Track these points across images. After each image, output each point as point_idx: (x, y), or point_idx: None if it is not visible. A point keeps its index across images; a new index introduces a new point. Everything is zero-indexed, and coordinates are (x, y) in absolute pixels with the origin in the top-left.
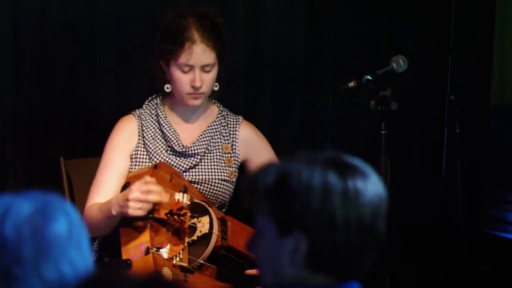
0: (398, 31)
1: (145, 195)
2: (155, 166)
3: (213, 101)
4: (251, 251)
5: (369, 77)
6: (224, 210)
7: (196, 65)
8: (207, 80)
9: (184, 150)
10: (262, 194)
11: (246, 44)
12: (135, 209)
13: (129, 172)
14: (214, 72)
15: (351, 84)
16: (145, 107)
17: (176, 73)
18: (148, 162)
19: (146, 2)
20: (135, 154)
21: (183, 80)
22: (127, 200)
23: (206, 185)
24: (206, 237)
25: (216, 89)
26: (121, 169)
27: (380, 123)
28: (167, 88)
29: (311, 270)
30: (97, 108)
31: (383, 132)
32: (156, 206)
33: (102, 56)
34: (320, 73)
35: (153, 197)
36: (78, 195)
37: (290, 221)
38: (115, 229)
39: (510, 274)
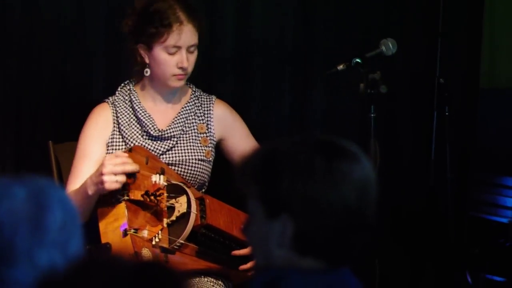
0: (387, 14)
1: (120, 166)
2: (130, 150)
3: (186, 82)
4: (244, 234)
5: (358, 60)
6: (203, 190)
7: (184, 46)
8: (191, 61)
9: (160, 134)
10: (250, 176)
11: (235, 29)
12: (112, 182)
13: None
14: (196, 52)
15: (340, 67)
16: (118, 93)
17: (162, 55)
18: (124, 147)
19: None
20: (111, 142)
21: (169, 61)
22: (102, 174)
23: (183, 166)
24: (185, 216)
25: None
26: (97, 158)
27: (370, 106)
28: (146, 72)
29: (299, 253)
30: (86, 92)
31: (372, 115)
32: (132, 188)
33: (91, 41)
34: (309, 57)
35: (128, 167)
36: (67, 179)
37: (276, 204)
38: (94, 216)
39: (500, 258)
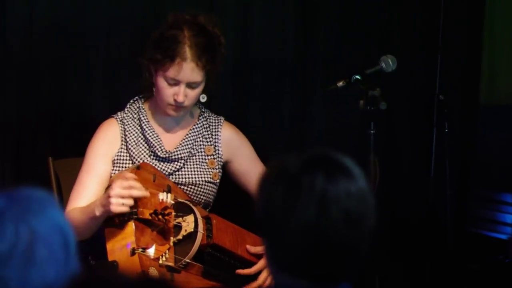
0: (387, 31)
1: (127, 190)
2: (138, 167)
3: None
4: None
5: (358, 76)
6: (208, 209)
7: (183, 81)
8: (190, 96)
9: (167, 155)
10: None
11: (235, 43)
12: (118, 205)
13: (111, 175)
14: (199, 89)
15: (340, 83)
16: (127, 110)
17: (162, 83)
18: (131, 165)
19: (136, 5)
20: (117, 159)
21: (167, 91)
22: (109, 197)
23: (190, 187)
24: (192, 236)
25: (203, 100)
26: (102, 174)
27: (369, 122)
28: (154, 91)
29: (280, 270)
30: (86, 108)
31: (372, 131)
32: (140, 206)
33: (91, 57)
34: (309, 73)
35: (135, 192)
36: (67, 195)
37: (257, 222)
38: (101, 231)
39: (499, 274)
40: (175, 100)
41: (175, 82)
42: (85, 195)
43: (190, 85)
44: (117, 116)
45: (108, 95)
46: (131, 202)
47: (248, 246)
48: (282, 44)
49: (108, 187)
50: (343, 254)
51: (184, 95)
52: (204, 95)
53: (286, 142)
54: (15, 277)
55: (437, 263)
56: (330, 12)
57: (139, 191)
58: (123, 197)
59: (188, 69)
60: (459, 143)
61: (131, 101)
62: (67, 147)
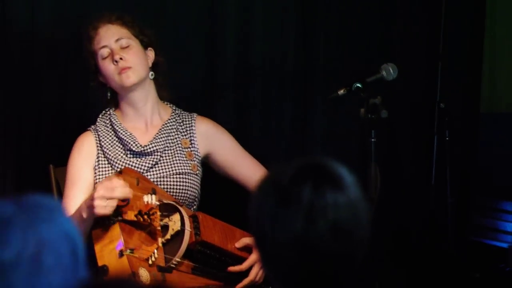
0: (388, 39)
1: (110, 191)
2: (120, 172)
3: (166, 102)
4: None
5: (359, 85)
6: (194, 207)
7: (109, 44)
8: (129, 54)
9: (142, 149)
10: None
11: (235, 51)
12: (101, 207)
13: (95, 183)
14: (134, 47)
15: (341, 92)
16: (100, 120)
17: (101, 63)
18: (111, 169)
19: (137, 7)
20: (97, 166)
21: (106, 63)
22: (93, 199)
23: (170, 180)
24: (179, 234)
25: (151, 77)
26: (87, 183)
27: (370, 131)
28: (108, 93)
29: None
30: (87, 116)
31: (373, 139)
32: (124, 208)
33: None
34: (310, 81)
35: (118, 193)
36: None
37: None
38: (91, 241)
39: (500, 282)
40: (115, 62)
41: (107, 51)
42: (73, 205)
43: (120, 44)
44: (91, 127)
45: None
46: (114, 203)
47: (236, 243)
48: (282, 52)
49: None
50: (334, 265)
51: (118, 54)
52: (152, 72)
53: (287, 150)
54: (22, 284)
55: (438, 271)
56: (330, 20)
57: (122, 191)
58: (106, 198)
59: (104, 30)
60: (460, 151)
61: (102, 112)
62: (68, 154)
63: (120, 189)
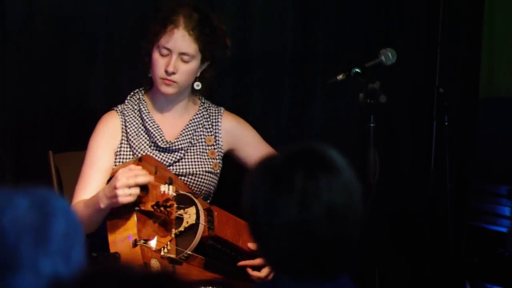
0: (387, 24)
1: (133, 179)
2: (140, 159)
3: (195, 94)
4: None
5: (357, 70)
6: (208, 201)
7: (174, 51)
8: (182, 70)
9: (168, 146)
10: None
11: (234, 37)
12: (126, 196)
13: (113, 168)
14: (192, 65)
15: (340, 77)
16: (127, 102)
17: (155, 54)
18: (132, 157)
19: None
20: (119, 151)
21: (158, 62)
22: (115, 188)
23: (191, 178)
24: (193, 227)
25: (197, 88)
26: (106, 166)
27: (369, 116)
28: (148, 73)
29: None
30: (85, 102)
31: (372, 125)
32: (142, 198)
33: (90, 50)
34: (309, 66)
35: (141, 179)
36: (67, 189)
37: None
38: (103, 224)
39: (499, 267)
40: (166, 72)
41: (167, 52)
42: (90, 188)
43: (182, 57)
44: (118, 108)
45: (108, 88)
46: (137, 191)
47: (249, 244)
48: (281, 38)
49: (110, 179)
50: (331, 249)
51: (174, 66)
52: (199, 83)
53: (286, 136)
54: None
55: (437, 256)
56: (329, 5)
57: (145, 177)
58: (129, 187)
59: (179, 37)
60: (459, 136)
61: (131, 93)
62: (67, 140)
63: (142, 176)
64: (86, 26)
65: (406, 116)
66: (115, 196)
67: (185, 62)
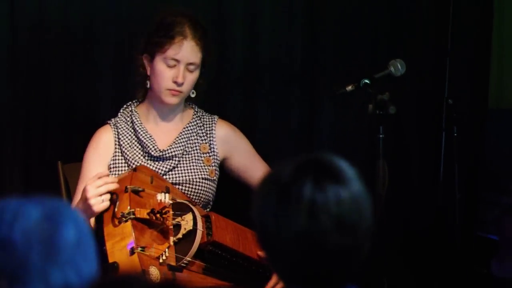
0: (396, 35)
1: (103, 187)
2: (135, 169)
3: (188, 103)
4: None
5: (367, 81)
6: (208, 209)
7: (183, 61)
8: (189, 80)
9: (160, 154)
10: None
11: (243, 48)
12: (99, 204)
13: None
14: (196, 74)
15: (349, 88)
16: (120, 115)
17: (161, 66)
18: (127, 168)
19: (144, 4)
20: (113, 164)
21: (166, 74)
22: (87, 199)
23: (187, 185)
24: (191, 234)
25: (192, 96)
26: None
27: (378, 127)
28: (147, 84)
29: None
30: (95, 112)
31: (381, 136)
32: (137, 206)
33: (100, 60)
34: (318, 77)
35: (110, 186)
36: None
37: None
38: (99, 237)
39: (508, 278)
40: (175, 83)
41: (175, 63)
42: None
43: (188, 67)
44: (111, 121)
45: (117, 99)
46: (108, 196)
47: (259, 252)
48: (290, 49)
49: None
50: (340, 260)
51: (182, 78)
52: (193, 91)
53: (294, 146)
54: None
55: (446, 267)
56: (338, 16)
57: (114, 183)
58: (100, 194)
59: (189, 47)
60: (468, 147)
61: (124, 106)
62: (76, 151)
63: (110, 182)
64: (95, 35)
65: (415, 127)
66: (90, 207)
67: (190, 71)
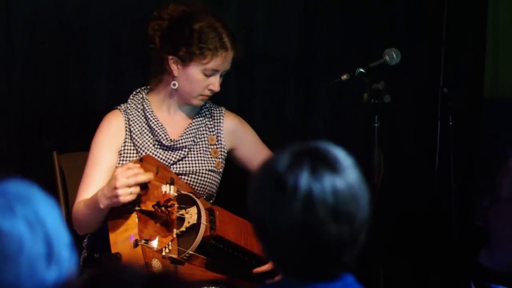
0: (391, 24)
1: (133, 178)
2: (141, 159)
3: None
4: None
5: (362, 70)
6: (211, 201)
7: (221, 71)
8: (217, 87)
9: (172, 144)
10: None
11: (239, 38)
12: (126, 195)
13: (117, 167)
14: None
15: (344, 77)
16: (131, 101)
17: (198, 75)
18: (136, 156)
19: None
20: (123, 149)
21: (202, 82)
22: (115, 188)
23: (194, 176)
24: (195, 227)
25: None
26: (109, 165)
27: (373, 116)
28: (174, 85)
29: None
30: (90, 102)
31: (376, 125)
32: (143, 198)
33: (95, 50)
34: (313, 66)
35: (141, 177)
36: (71, 189)
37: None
38: (104, 225)
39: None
40: (210, 90)
41: (213, 73)
42: (93, 187)
43: (221, 75)
44: (121, 107)
45: (112, 89)
46: (137, 189)
47: (254, 245)
48: (285, 39)
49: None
50: (336, 249)
51: (218, 87)
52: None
53: (290, 136)
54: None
55: (442, 256)
56: (333, 5)
57: (145, 176)
58: (129, 186)
59: (228, 58)
60: (463, 136)
61: (134, 92)
62: (71, 141)
63: (141, 174)
64: (90, 26)
65: (411, 116)
66: (116, 196)
67: (221, 76)
